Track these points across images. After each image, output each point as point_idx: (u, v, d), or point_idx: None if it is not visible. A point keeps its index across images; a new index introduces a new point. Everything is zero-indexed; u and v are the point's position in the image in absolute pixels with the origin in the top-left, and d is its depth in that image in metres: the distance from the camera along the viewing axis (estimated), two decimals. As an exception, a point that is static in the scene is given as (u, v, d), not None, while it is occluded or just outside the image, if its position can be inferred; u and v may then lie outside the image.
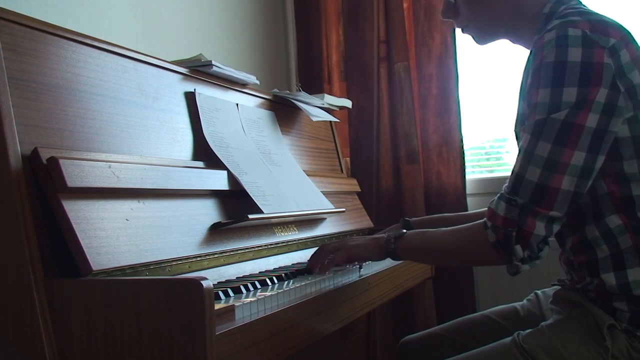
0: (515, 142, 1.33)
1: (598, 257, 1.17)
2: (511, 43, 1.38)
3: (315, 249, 1.44)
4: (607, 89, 1.09)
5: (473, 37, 1.37)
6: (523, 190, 1.12)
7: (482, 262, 1.29)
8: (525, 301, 1.50)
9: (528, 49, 1.33)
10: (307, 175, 1.78)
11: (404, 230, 1.33)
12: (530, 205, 1.11)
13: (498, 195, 1.16)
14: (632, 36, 1.16)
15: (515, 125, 1.31)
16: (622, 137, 1.13)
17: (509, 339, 1.23)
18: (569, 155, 1.10)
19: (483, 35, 1.36)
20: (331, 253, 1.38)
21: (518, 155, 1.17)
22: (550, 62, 1.11)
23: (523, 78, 1.29)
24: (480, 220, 1.19)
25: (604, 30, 1.12)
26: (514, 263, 1.14)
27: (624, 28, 1.17)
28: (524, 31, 1.31)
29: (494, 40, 1.37)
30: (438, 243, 1.27)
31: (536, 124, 1.12)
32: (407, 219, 1.64)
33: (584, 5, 1.24)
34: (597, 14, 1.18)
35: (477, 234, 1.17)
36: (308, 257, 1.46)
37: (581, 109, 1.09)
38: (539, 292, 1.49)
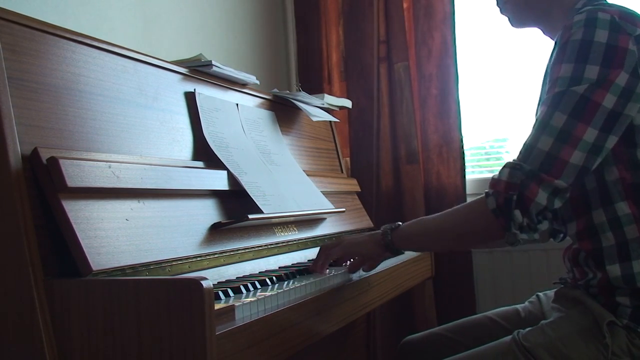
0: None
1: (603, 245, 1.18)
2: (542, 33, 1.39)
3: (316, 248, 1.44)
4: (627, 74, 1.12)
5: (509, 19, 1.40)
6: (533, 158, 1.14)
7: (481, 234, 1.24)
8: (527, 303, 1.51)
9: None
10: (307, 175, 1.78)
11: (399, 223, 1.34)
12: (537, 171, 1.12)
13: (503, 165, 1.18)
14: None
15: (536, 111, 1.32)
16: (638, 125, 1.15)
17: (509, 337, 1.23)
18: (582, 130, 1.12)
19: (519, 17, 1.37)
20: (325, 252, 1.39)
21: (532, 127, 1.18)
22: (577, 39, 1.15)
23: (548, 65, 1.30)
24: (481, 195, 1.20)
25: (633, 20, 1.16)
26: (512, 231, 1.13)
27: None
28: (557, 23, 1.32)
29: (528, 26, 1.39)
30: (436, 224, 1.28)
31: (555, 96, 1.15)
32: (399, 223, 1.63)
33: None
34: (627, 7, 1.21)
35: (477, 205, 1.19)
36: (308, 257, 1.46)
37: (600, 87, 1.12)
38: (540, 294, 1.50)
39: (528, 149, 1.15)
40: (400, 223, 1.34)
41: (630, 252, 1.16)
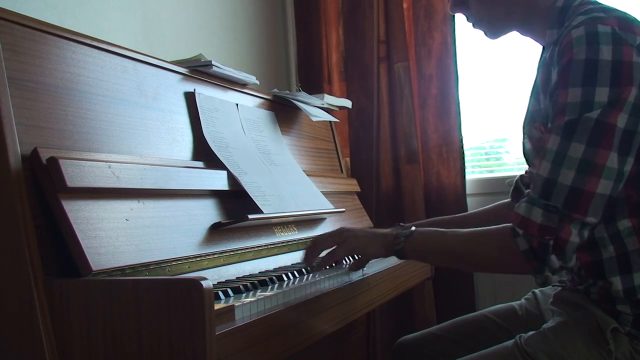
0: (522, 139, 1.32)
1: (603, 257, 1.16)
2: (520, 35, 1.35)
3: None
4: (637, 89, 1.06)
5: (485, 33, 1.34)
6: (556, 195, 1.06)
7: (508, 270, 1.22)
8: (523, 300, 1.50)
9: (537, 41, 1.32)
10: (307, 175, 1.78)
11: (413, 228, 1.26)
12: (565, 211, 1.06)
13: (526, 199, 1.10)
14: None
15: (524, 123, 1.29)
16: None
17: (511, 341, 1.22)
18: (604, 157, 1.05)
19: (495, 30, 1.32)
20: (328, 247, 1.34)
21: (544, 159, 1.10)
22: (581, 59, 1.07)
23: (537, 75, 1.27)
24: (506, 226, 1.13)
25: (632, 29, 1.10)
26: (545, 274, 1.09)
27: None
28: (536, 24, 1.29)
29: (505, 34, 1.34)
30: (456, 247, 1.21)
31: (567, 125, 1.07)
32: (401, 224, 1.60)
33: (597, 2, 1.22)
34: (618, 10, 1.16)
35: (505, 242, 1.11)
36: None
37: (614, 108, 1.05)
38: (537, 291, 1.49)
39: (549, 184, 1.07)
40: (414, 228, 1.26)
41: (631, 264, 1.13)
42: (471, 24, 1.35)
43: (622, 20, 1.11)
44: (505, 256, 1.13)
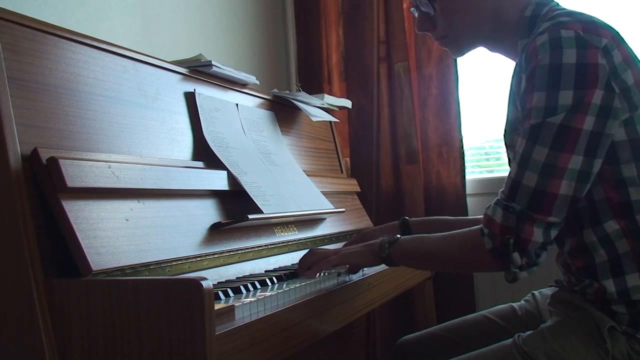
0: (505, 149, 1.32)
1: (596, 262, 1.16)
2: (489, 52, 1.35)
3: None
4: (602, 90, 1.07)
5: (450, 50, 1.35)
6: (520, 197, 1.10)
7: (480, 269, 1.27)
8: (522, 301, 1.50)
9: (508, 56, 1.32)
10: (307, 175, 1.78)
11: (398, 236, 1.31)
12: (527, 211, 1.09)
13: (495, 200, 1.15)
14: (620, 36, 1.15)
15: (505, 132, 1.29)
16: (618, 141, 1.11)
17: (509, 340, 1.22)
18: (566, 160, 1.08)
19: (461, 46, 1.32)
20: (322, 259, 1.36)
21: (513, 161, 1.14)
22: (545, 64, 1.09)
23: (511, 84, 1.27)
24: (477, 227, 1.17)
25: (596, 31, 1.10)
26: (512, 270, 1.13)
27: (613, 28, 1.15)
28: (505, 38, 1.28)
29: (470, 50, 1.34)
30: (433, 249, 1.26)
31: (532, 129, 1.10)
32: (406, 217, 1.63)
33: (564, 8, 1.22)
34: (584, 14, 1.16)
35: (474, 241, 1.16)
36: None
37: (578, 112, 1.07)
38: (536, 292, 1.49)
39: (514, 186, 1.11)
40: (399, 236, 1.31)
41: (623, 267, 1.13)
42: (438, 41, 1.34)
43: (587, 23, 1.12)
44: (475, 255, 1.17)
